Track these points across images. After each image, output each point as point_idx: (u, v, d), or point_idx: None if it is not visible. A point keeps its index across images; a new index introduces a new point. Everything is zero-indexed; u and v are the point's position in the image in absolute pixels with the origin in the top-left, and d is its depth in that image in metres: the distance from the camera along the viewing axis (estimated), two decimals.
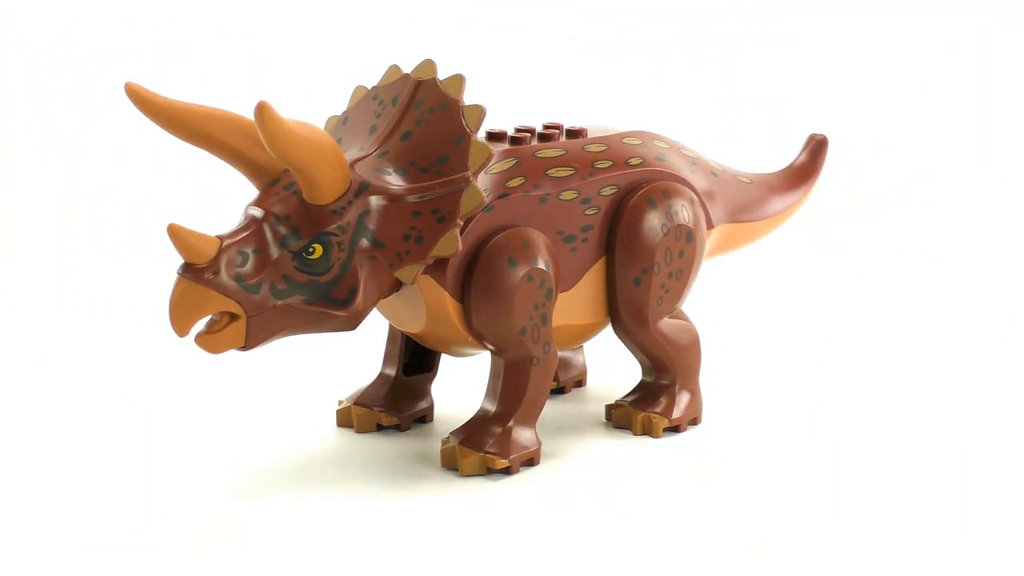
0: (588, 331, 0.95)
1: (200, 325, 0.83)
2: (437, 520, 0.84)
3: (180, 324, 0.82)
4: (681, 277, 0.95)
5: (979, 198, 1.55)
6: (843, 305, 1.27)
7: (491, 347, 0.90)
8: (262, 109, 0.79)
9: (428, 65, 0.89)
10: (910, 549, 0.80)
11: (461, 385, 1.02)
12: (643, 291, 0.94)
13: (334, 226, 0.84)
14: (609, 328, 0.96)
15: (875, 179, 1.57)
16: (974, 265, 1.38)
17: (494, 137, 0.93)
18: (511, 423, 0.90)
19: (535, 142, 0.93)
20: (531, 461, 0.91)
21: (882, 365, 1.11)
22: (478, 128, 0.87)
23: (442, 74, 0.89)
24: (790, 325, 1.21)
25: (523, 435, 0.91)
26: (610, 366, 1.07)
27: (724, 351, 1.10)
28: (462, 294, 0.89)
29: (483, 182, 0.88)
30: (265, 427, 0.97)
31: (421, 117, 0.88)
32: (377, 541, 0.81)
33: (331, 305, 0.84)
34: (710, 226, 0.99)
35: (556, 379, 1.04)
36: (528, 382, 0.90)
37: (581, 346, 1.05)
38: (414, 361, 0.97)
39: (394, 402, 0.96)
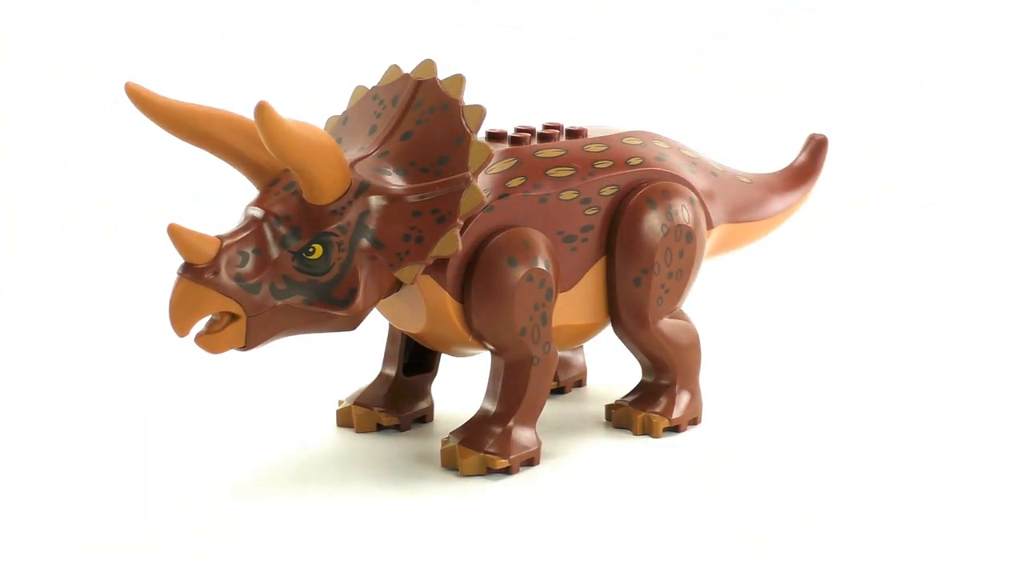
0: (588, 331, 0.95)
1: (200, 325, 0.83)
2: (437, 520, 0.84)
3: (180, 324, 0.82)
4: (681, 277, 0.95)
5: (979, 198, 1.55)
6: (843, 305, 1.27)
7: (491, 347, 0.90)
8: (262, 109, 0.79)
9: (428, 65, 0.89)
10: (910, 549, 0.80)
11: (461, 385, 1.02)
12: (643, 291, 0.94)
13: (334, 226, 0.84)
14: (609, 328, 0.96)
15: (875, 179, 1.57)
16: (974, 265, 1.38)
17: (494, 137, 0.93)
18: (511, 423, 0.90)
19: (535, 142, 0.93)
20: (531, 461, 0.91)
21: (882, 365, 1.11)
22: (478, 128, 0.87)
23: (442, 74, 0.89)
24: (790, 325, 1.21)
25: (523, 435, 0.91)
26: (610, 366, 1.07)
27: (724, 351, 1.10)
28: (462, 294, 0.89)
29: (483, 182, 0.88)
30: (265, 427, 0.97)
31: (421, 117, 0.88)
32: (377, 541, 0.81)
33: (331, 305, 0.84)
34: (710, 226, 0.99)
35: (556, 379, 1.04)
36: (528, 382, 0.90)
37: (581, 346, 1.05)
38: (414, 361, 0.97)
39: (394, 402, 0.96)
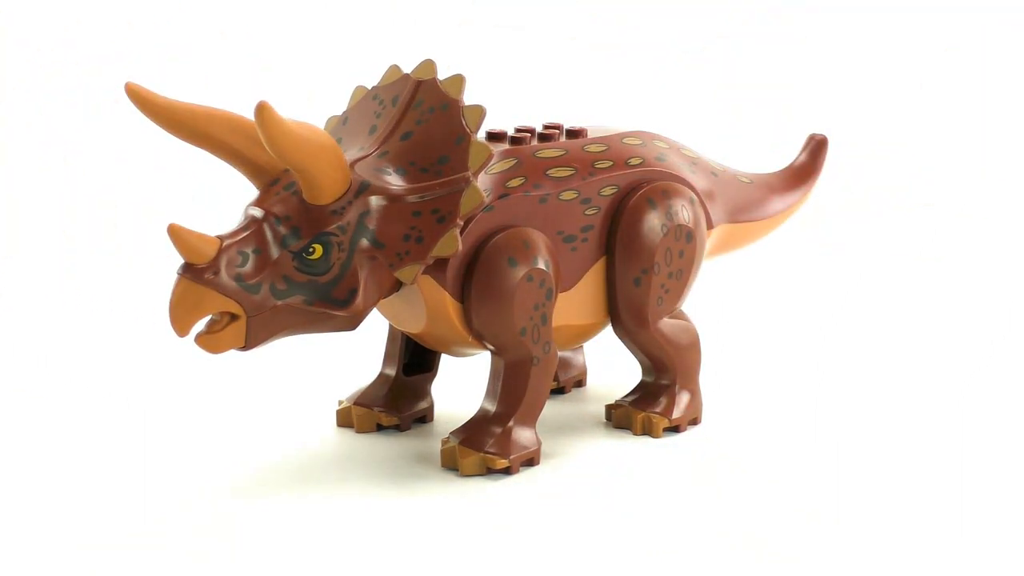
0: (588, 331, 0.95)
1: (200, 325, 0.83)
2: (437, 520, 0.84)
3: (180, 324, 0.82)
4: (681, 277, 0.95)
5: (979, 198, 1.55)
6: (843, 305, 1.27)
7: (491, 347, 0.90)
8: (262, 109, 0.79)
9: (428, 65, 0.89)
10: (910, 549, 0.80)
11: (461, 385, 1.02)
12: (643, 291, 0.94)
13: (334, 226, 0.84)
14: (609, 328, 0.96)
15: (875, 179, 1.57)
16: (974, 265, 1.38)
17: (494, 137, 0.93)
18: (511, 423, 0.90)
19: (535, 142, 0.93)
20: (531, 461, 0.91)
21: (882, 365, 1.11)
22: (478, 128, 0.87)
23: (442, 74, 0.89)
24: (790, 325, 1.21)
25: (523, 435, 0.91)
26: (610, 366, 1.07)
27: (724, 351, 1.10)
28: (462, 294, 0.89)
29: (483, 182, 0.88)
30: (265, 427, 0.97)
31: (421, 117, 0.88)
32: (377, 541, 0.81)
33: (331, 305, 0.84)
34: (710, 226, 0.99)
35: (556, 379, 1.03)
36: (528, 382, 0.90)
37: (581, 346, 1.05)
38: (414, 361, 0.97)
39: (394, 402, 0.96)
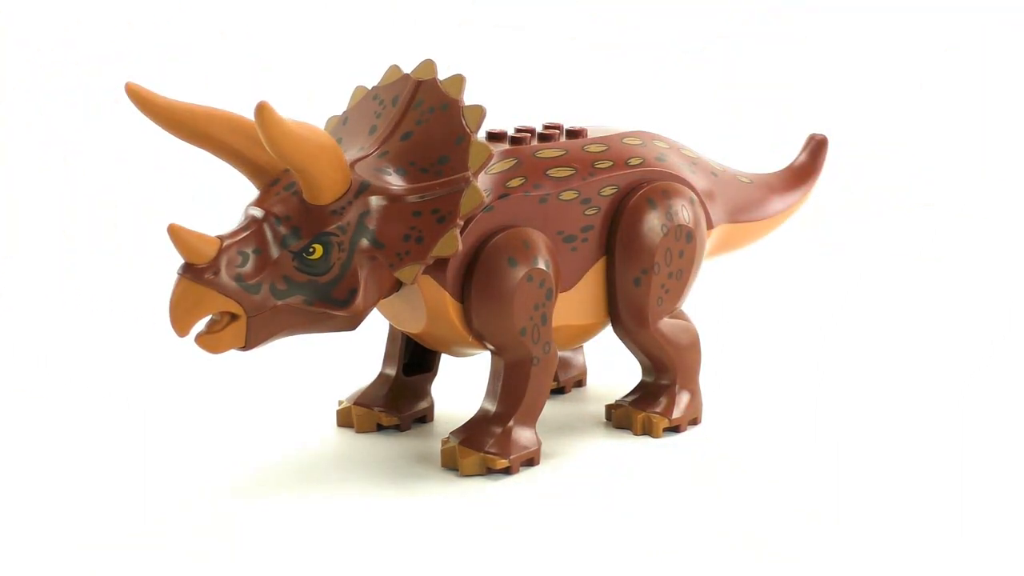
0: (588, 331, 0.95)
1: (200, 325, 0.83)
2: (437, 520, 0.84)
3: (180, 324, 0.82)
4: (681, 277, 0.95)
5: (979, 198, 1.55)
6: (843, 305, 1.27)
7: (491, 347, 0.90)
8: (262, 109, 0.79)
9: (428, 65, 0.89)
10: (910, 549, 0.80)
11: (461, 385, 1.02)
12: (643, 291, 0.94)
13: (334, 226, 0.84)
14: (609, 328, 0.96)
15: (875, 179, 1.57)
16: (974, 265, 1.38)
17: (494, 137, 0.93)
18: (511, 423, 0.90)
19: (535, 142, 0.93)
20: (531, 461, 0.91)
21: (882, 365, 1.11)
22: (478, 128, 0.87)
23: (442, 74, 0.89)
24: (790, 325, 1.21)
25: (523, 435, 0.91)
26: (610, 366, 1.07)
27: (724, 351, 1.10)
28: (462, 294, 0.89)
29: (483, 182, 0.88)
30: (265, 427, 0.97)
31: (421, 117, 0.88)
32: (377, 541, 0.81)
33: (331, 305, 0.84)
34: (710, 226, 0.99)
35: (556, 379, 1.03)
36: (528, 382, 0.90)
37: (581, 346, 1.05)
38: (414, 361, 0.97)
39: (394, 402, 0.96)
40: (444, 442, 0.91)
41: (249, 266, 0.82)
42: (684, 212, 0.95)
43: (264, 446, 0.94)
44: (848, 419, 0.99)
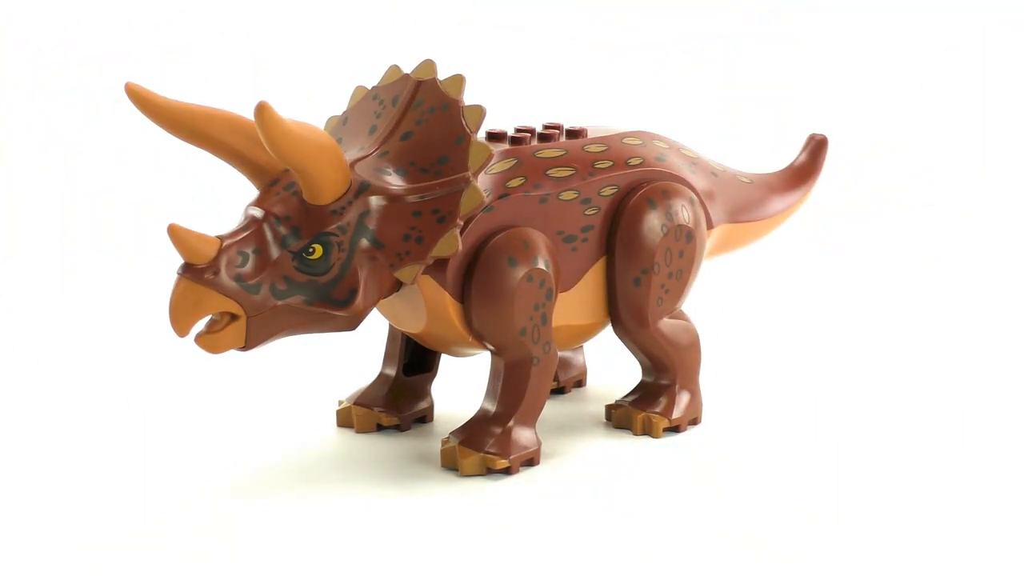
0: (588, 331, 0.95)
1: (200, 325, 0.83)
2: (437, 520, 0.84)
3: (180, 324, 0.82)
4: (681, 277, 0.95)
5: (979, 198, 1.55)
6: (843, 305, 1.27)
7: (491, 347, 0.90)
8: (262, 109, 0.79)
9: (428, 65, 0.89)
10: (910, 549, 0.80)
11: (461, 385, 1.02)
12: (643, 291, 0.94)
13: (334, 226, 0.84)
14: (609, 328, 0.96)
15: (875, 179, 1.57)
16: (974, 265, 1.38)
17: (494, 137, 0.93)
18: (511, 423, 0.90)
19: (535, 142, 0.93)
20: (531, 461, 0.91)
21: (882, 365, 1.11)
22: (478, 128, 0.87)
23: (442, 74, 0.89)
24: (790, 325, 1.21)
25: (523, 435, 0.91)
26: (610, 366, 1.07)
27: (724, 351, 1.10)
28: (462, 294, 0.89)
29: (483, 182, 0.88)
30: (265, 427, 0.97)
31: (421, 117, 0.88)
32: (377, 541, 0.81)
33: (331, 305, 0.84)
34: (710, 226, 0.99)
35: (556, 379, 1.03)
36: (528, 382, 0.90)
37: (581, 346, 1.05)
38: (414, 361, 0.97)
39: (394, 402, 0.96)
40: (444, 442, 0.91)
41: (249, 266, 0.82)
42: (684, 212, 0.95)
43: (264, 446, 0.94)
44: (848, 419, 0.99)
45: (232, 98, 0.96)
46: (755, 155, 1.18)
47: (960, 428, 0.98)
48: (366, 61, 1.10)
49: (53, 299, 1.26)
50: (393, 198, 0.86)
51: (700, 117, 1.57)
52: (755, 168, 1.07)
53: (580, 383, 1.06)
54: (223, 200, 1.03)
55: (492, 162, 0.89)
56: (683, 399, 0.97)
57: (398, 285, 0.87)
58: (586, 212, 0.92)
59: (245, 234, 0.83)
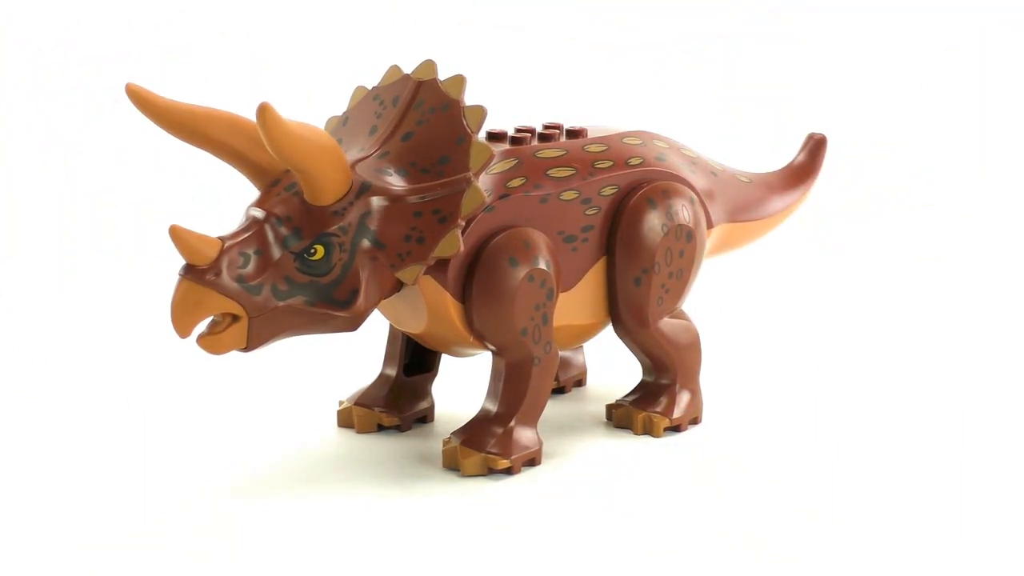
0: (589, 331, 0.95)
1: (202, 326, 0.83)
2: (439, 520, 0.84)
3: (182, 325, 0.82)
4: (681, 277, 0.95)
5: (979, 198, 1.55)
6: (843, 305, 1.27)
7: (492, 347, 0.90)
8: (264, 110, 0.79)
9: (429, 65, 0.89)
10: (910, 549, 0.80)
11: (461, 385, 1.02)
12: (644, 291, 0.94)
13: (336, 227, 0.84)
14: (609, 328, 0.96)
15: (875, 179, 1.57)
16: (974, 265, 1.38)
17: (494, 137, 0.93)
18: (513, 423, 0.90)
19: (535, 142, 0.93)
20: (532, 461, 0.91)
21: (882, 365, 1.11)
22: (479, 129, 0.87)
23: (442, 74, 0.89)
24: (790, 325, 1.21)
25: (525, 435, 0.91)
26: (610, 366, 1.07)
27: (724, 351, 1.10)
28: (463, 294, 0.89)
29: (484, 182, 0.88)
30: (265, 428, 0.97)
31: (422, 118, 0.88)
32: (379, 541, 0.81)
33: (333, 306, 0.84)
34: (710, 226, 0.99)
35: (556, 379, 1.03)
36: (529, 382, 0.90)
37: (581, 346, 1.05)
38: (414, 361, 0.97)
39: (395, 402, 0.96)
40: (445, 443, 0.91)
41: (250, 267, 0.82)
42: (684, 212, 0.95)
43: (264, 447, 0.94)
44: (848, 419, 0.99)
45: (232, 98, 0.96)
46: (755, 155, 1.18)
47: (960, 428, 0.98)
48: (366, 61, 1.10)
49: (53, 299, 1.25)
50: (394, 198, 0.86)
51: (700, 117, 1.57)
52: (755, 168, 1.07)
53: (580, 383, 1.06)
54: (223, 200, 1.03)
55: (492, 162, 0.89)
56: (683, 398, 0.97)
57: (399, 285, 0.87)
58: (587, 212, 0.92)
59: (246, 235, 0.83)
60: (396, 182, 0.86)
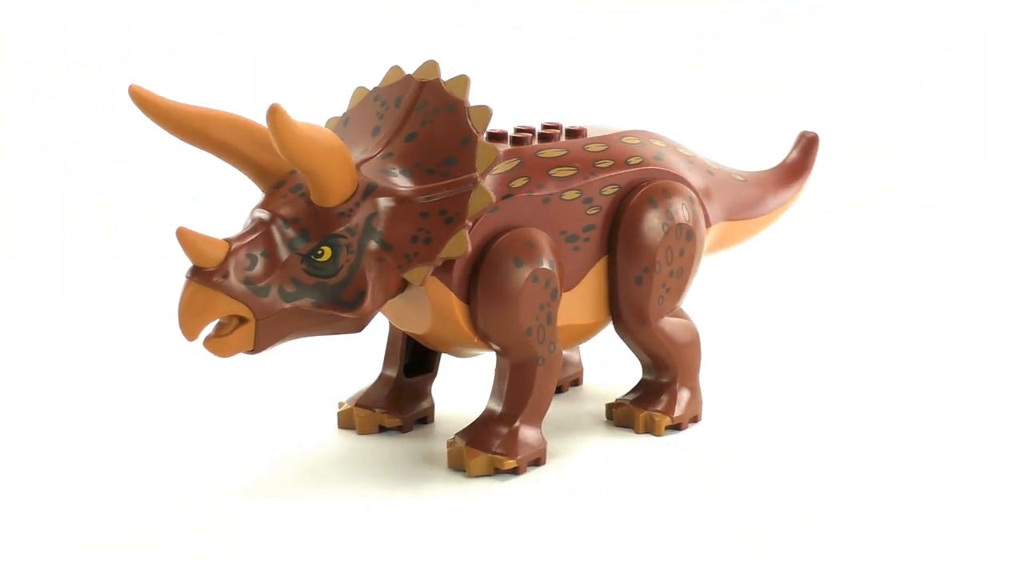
0: (590, 330, 0.95)
1: (208, 329, 0.83)
2: (441, 521, 0.84)
3: (189, 328, 0.81)
4: (682, 275, 0.95)
5: (979, 198, 1.55)
6: (843, 305, 1.27)
7: (496, 347, 0.90)
8: (275, 112, 0.79)
9: (431, 66, 0.89)
10: (910, 549, 0.81)
11: (461, 386, 1.02)
12: (644, 290, 0.94)
13: (342, 228, 0.84)
14: (608, 326, 0.96)
15: (875, 179, 1.57)
16: (974, 265, 1.38)
17: (495, 137, 0.93)
18: (518, 423, 0.90)
19: (535, 142, 0.93)
20: (537, 461, 0.91)
21: (882, 365, 1.11)
22: (484, 129, 0.87)
23: (444, 75, 0.89)
24: (790, 324, 1.21)
25: (529, 435, 0.91)
26: (607, 365, 1.07)
27: (724, 350, 1.10)
28: (467, 295, 0.88)
29: (487, 183, 0.88)
30: (266, 429, 0.97)
31: (426, 118, 0.88)
32: (382, 542, 0.81)
33: (340, 307, 0.84)
34: (708, 224, 0.99)
35: None
36: (534, 382, 0.90)
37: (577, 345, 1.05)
38: (415, 362, 0.97)
39: (396, 403, 0.96)
40: (450, 443, 0.91)
41: (258, 269, 0.82)
42: (684, 211, 0.95)
43: (265, 448, 0.94)
44: (848, 419, 0.99)
45: (232, 98, 0.96)
46: (755, 155, 1.18)
47: (960, 428, 0.98)
48: (366, 61, 1.10)
49: (53, 299, 1.25)
50: (401, 199, 0.85)
51: (700, 117, 1.57)
52: (753, 167, 1.07)
53: (576, 382, 1.06)
54: (223, 201, 1.03)
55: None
56: (684, 397, 0.97)
57: (404, 286, 0.86)
58: (588, 212, 0.92)
59: (253, 237, 0.83)
60: (402, 183, 0.86)
